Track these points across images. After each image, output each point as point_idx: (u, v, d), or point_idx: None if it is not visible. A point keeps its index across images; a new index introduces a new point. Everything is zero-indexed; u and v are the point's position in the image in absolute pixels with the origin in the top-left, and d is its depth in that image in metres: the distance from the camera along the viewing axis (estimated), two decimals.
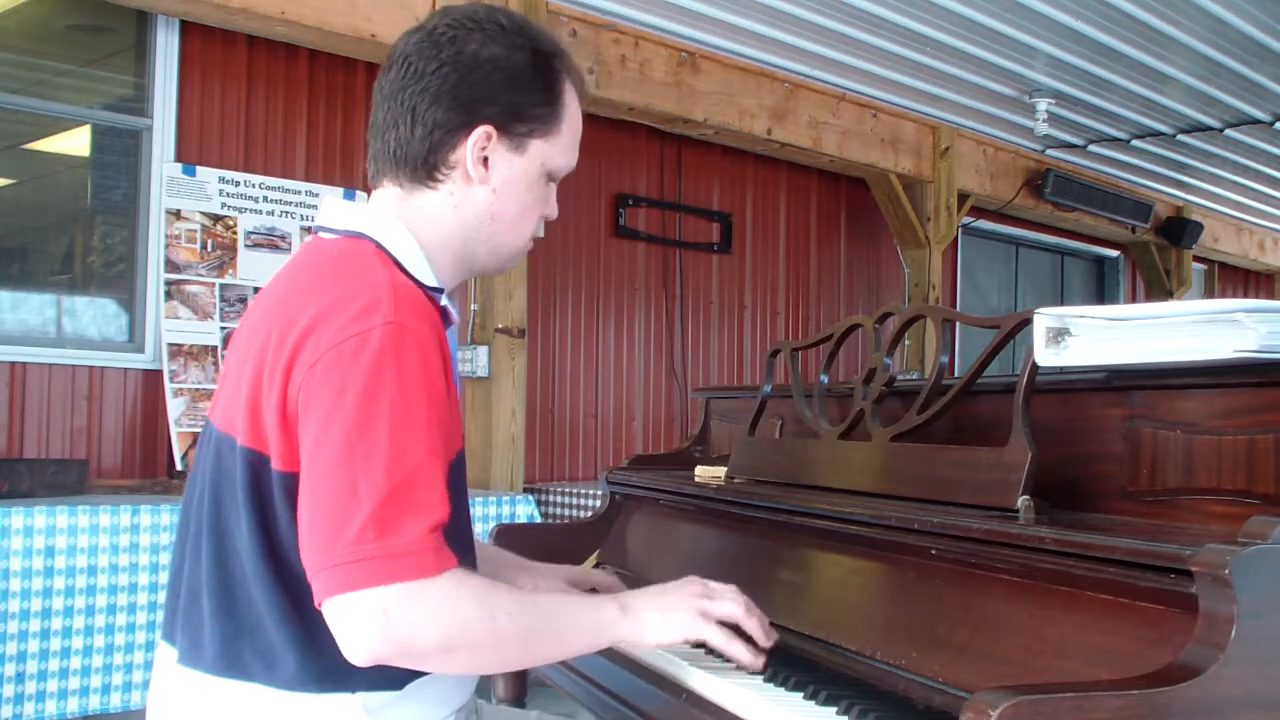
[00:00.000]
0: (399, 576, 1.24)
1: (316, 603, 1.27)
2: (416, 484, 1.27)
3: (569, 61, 1.54)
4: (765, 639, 1.53)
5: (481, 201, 1.49)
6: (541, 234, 1.63)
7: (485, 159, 1.47)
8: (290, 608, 1.34)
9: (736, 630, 1.51)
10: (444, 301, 1.47)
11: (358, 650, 1.25)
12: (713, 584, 1.53)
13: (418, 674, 1.41)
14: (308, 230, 4.90)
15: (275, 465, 1.34)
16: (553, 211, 1.59)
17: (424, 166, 1.47)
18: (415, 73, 1.45)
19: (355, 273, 1.38)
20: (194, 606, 1.42)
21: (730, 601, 1.51)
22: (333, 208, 1.52)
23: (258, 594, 1.35)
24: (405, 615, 1.24)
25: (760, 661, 1.52)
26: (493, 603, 1.32)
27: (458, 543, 1.42)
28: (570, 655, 1.47)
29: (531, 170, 1.51)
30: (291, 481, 1.32)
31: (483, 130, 1.45)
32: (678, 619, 1.47)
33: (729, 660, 1.54)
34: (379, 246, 1.44)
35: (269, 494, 1.34)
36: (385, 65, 1.50)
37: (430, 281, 1.46)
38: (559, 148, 1.52)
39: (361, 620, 1.24)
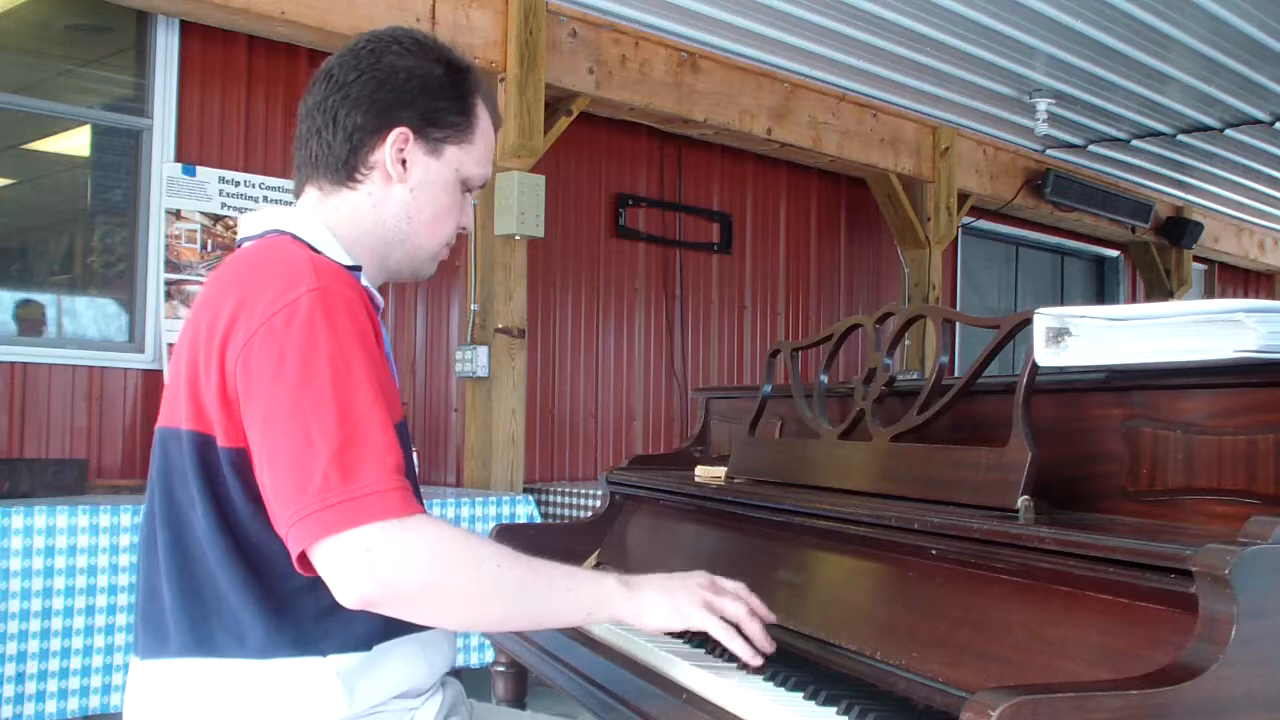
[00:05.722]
0: (370, 517, 1.28)
1: (294, 555, 1.30)
2: (368, 429, 1.32)
3: (480, 79, 1.63)
4: (766, 645, 1.52)
5: (399, 200, 1.57)
6: (452, 245, 1.70)
7: (403, 160, 1.56)
8: (251, 577, 1.39)
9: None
10: (365, 282, 1.52)
11: (347, 591, 1.29)
12: (722, 580, 1.53)
13: (385, 636, 1.44)
14: None
15: (221, 442, 1.38)
16: (468, 223, 1.67)
17: (345, 168, 1.55)
18: (336, 83, 1.55)
19: (274, 259, 1.45)
20: (152, 603, 1.46)
21: (737, 603, 1.51)
22: (249, 218, 1.59)
23: (218, 569, 1.39)
24: (388, 552, 1.28)
25: (759, 660, 1.51)
26: (480, 549, 1.37)
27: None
28: (565, 623, 1.46)
29: (447, 174, 1.59)
30: (238, 456, 1.37)
31: (400, 132, 1.54)
32: (682, 606, 1.47)
33: (730, 653, 1.53)
34: (295, 238, 1.51)
35: (218, 471, 1.39)
36: (310, 85, 1.60)
37: (348, 263, 1.52)
38: (473, 157, 1.61)
39: (347, 561, 1.28)
